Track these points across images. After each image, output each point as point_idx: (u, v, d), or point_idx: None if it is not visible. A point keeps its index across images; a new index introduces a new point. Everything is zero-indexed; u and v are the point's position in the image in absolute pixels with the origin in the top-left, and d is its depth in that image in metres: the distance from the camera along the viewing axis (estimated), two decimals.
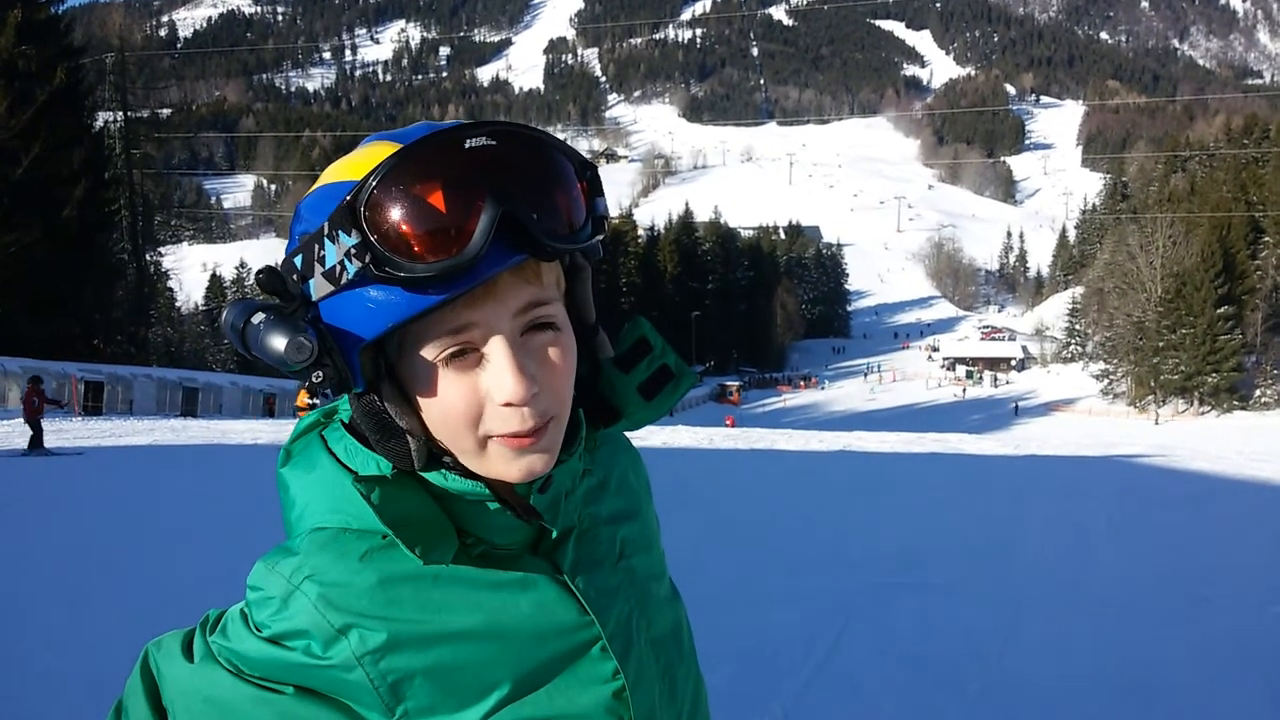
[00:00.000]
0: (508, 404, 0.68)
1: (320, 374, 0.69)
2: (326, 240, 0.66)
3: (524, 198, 0.66)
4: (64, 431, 15.94)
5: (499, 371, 0.68)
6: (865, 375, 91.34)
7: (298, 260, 0.69)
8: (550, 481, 0.75)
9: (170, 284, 46.00)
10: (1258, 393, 57.80)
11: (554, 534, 0.78)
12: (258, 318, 0.68)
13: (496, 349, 0.68)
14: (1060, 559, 7.09)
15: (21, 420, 14.66)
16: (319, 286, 0.68)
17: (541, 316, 0.71)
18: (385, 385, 0.71)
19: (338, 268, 0.66)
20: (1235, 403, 57.14)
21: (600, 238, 0.74)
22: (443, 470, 0.73)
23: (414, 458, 0.71)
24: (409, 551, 0.68)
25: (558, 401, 0.72)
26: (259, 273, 0.70)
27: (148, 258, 41.00)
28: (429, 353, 0.68)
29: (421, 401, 0.71)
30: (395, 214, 0.64)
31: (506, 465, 0.71)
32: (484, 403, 0.69)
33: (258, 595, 0.72)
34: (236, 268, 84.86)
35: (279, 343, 0.67)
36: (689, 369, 0.86)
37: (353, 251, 0.64)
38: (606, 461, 0.88)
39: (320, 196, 0.69)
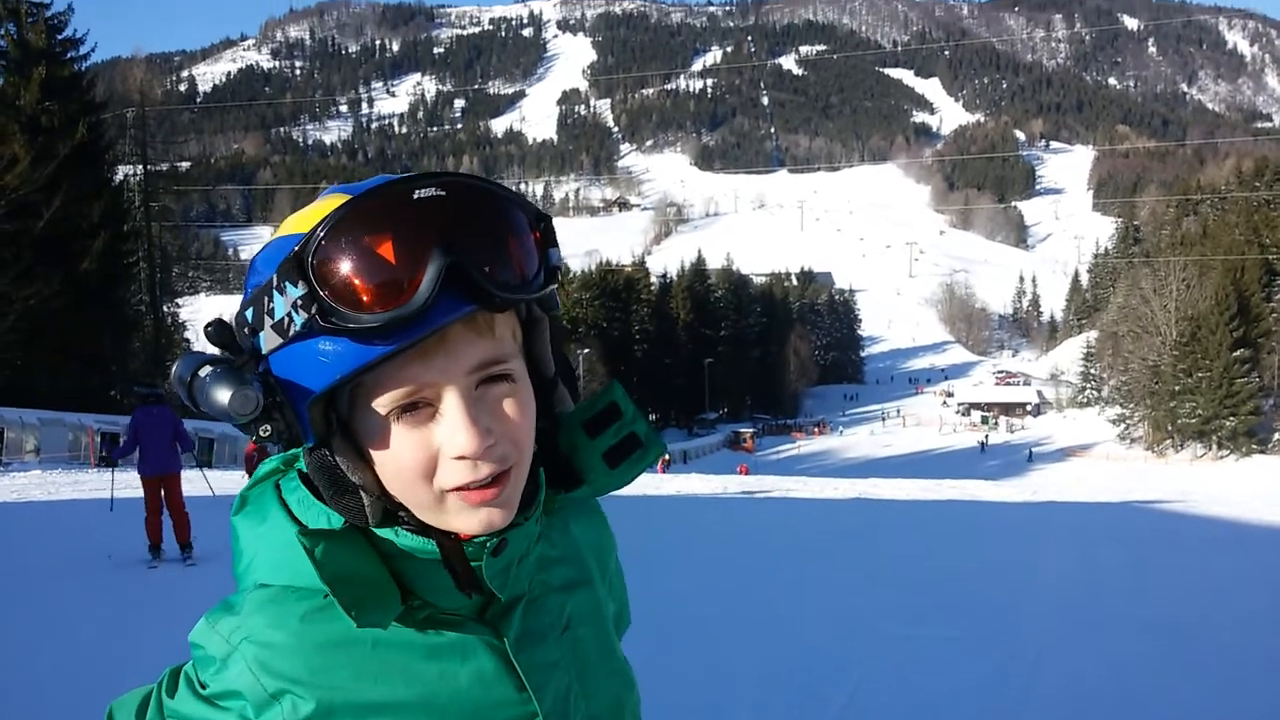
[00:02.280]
0: (461, 457, 0.68)
1: (268, 428, 0.69)
2: (275, 292, 0.66)
3: (473, 248, 0.66)
4: (81, 483, 15.98)
5: (452, 425, 0.67)
6: (884, 420, 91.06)
7: (248, 313, 0.69)
8: (505, 545, 0.74)
9: (187, 335, 46.40)
10: (1277, 436, 57.09)
11: (502, 600, 0.76)
12: (204, 370, 0.68)
13: (450, 402, 0.68)
14: (1079, 610, 7.00)
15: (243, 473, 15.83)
16: (268, 339, 0.67)
17: (496, 371, 0.70)
18: (337, 440, 0.70)
19: (285, 319, 0.65)
20: (1254, 446, 56.43)
21: (553, 287, 0.73)
22: (395, 527, 0.72)
23: (368, 513, 0.71)
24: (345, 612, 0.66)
25: (516, 450, 0.71)
26: (208, 326, 0.70)
27: (165, 309, 41.50)
28: (381, 406, 0.68)
29: (374, 456, 0.70)
30: (342, 264, 0.64)
31: (465, 519, 0.70)
32: (437, 456, 0.68)
33: (200, 654, 0.71)
34: None
35: (224, 395, 0.66)
36: (658, 439, 0.85)
37: (299, 302, 0.64)
38: (563, 526, 0.87)
39: (272, 249, 0.69)
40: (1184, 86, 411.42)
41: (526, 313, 0.76)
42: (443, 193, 0.66)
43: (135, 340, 36.86)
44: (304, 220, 0.68)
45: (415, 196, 0.65)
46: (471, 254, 0.65)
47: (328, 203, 0.68)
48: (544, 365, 0.78)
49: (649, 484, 19.77)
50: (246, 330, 0.69)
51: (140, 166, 40.15)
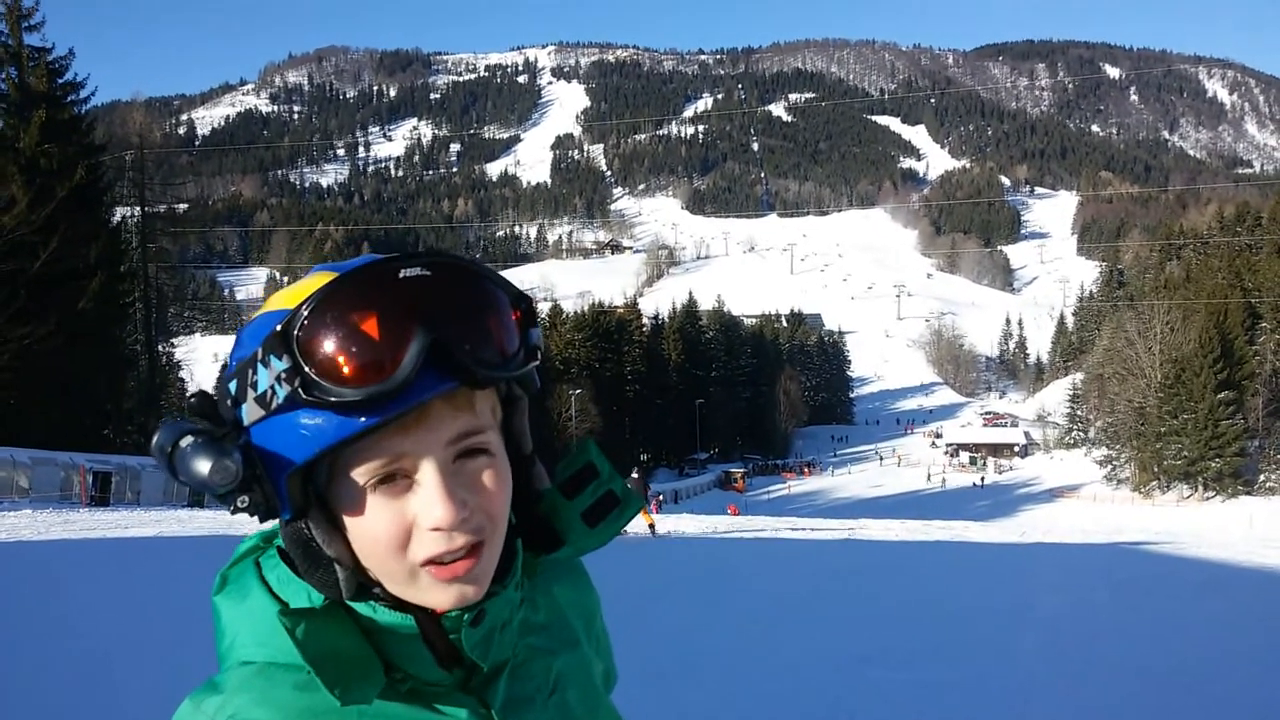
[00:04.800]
0: (436, 529, 0.69)
1: (245, 499, 0.70)
2: (259, 365, 0.68)
3: (455, 326, 0.68)
4: (71, 523, 16.00)
5: (429, 496, 0.69)
6: (880, 460, 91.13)
7: (232, 385, 0.70)
8: (483, 615, 0.74)
9: (181, 374, 46.40)
10: (1261, 477, 57.37)
11: (485, 669, 0.76)
12: (185, 441, 0.68)
13: (427, 475, 0.69)
14: (1069, 654, 7.02)
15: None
16: (250, 412, 0.69)
17: (474, 444, 0.72)
18: (314, 513, 0.71)
19: (269, 392, 0.67)
20: (1240, 488, 56.67)
21: (533, 365, 0.75)
22: (371, 602, 0.72)
23: (342, 587, 0.72)
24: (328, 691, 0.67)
25: (489, 523, 0.72)
26: (191, 397, 0.72)
27: (160, 348, 41.48)
28: (359, 478, 0.69)
29: (350, 527, 0.71)
30: (326, 339, 0.65)
31: (437, 594, 0.71)
32: (412, 528, 0.69)
33: None
34: None
35: (204, 466, 0.67)
36: (636, 496, 0.86)
37: (283, 375, 0.66)
38: (546, 589, 0.87)
39: (258, 324, 0.70)
40: (1166, 134, 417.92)
41: (506, 390, 0.78)
42: (428, 272, 0.68)
43: (130, 380, 36.85)
44: (290, 297, 0.70)
45: (400, 275, 0.67)
46: (454, 332, 0.67)
47: (314, 280, 0.70)
48: (522, 443, 0.79)
49: (639, 524, 19.81)
50: (229, 402, 0.70)
51: (138, 208, 40.44)
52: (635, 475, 22.53)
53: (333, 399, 0.65)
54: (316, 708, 0.69)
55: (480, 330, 0.70)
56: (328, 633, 0.69)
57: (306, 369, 0.65)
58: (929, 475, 79.70)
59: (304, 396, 0.65)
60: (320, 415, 0.66)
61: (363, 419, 0.66)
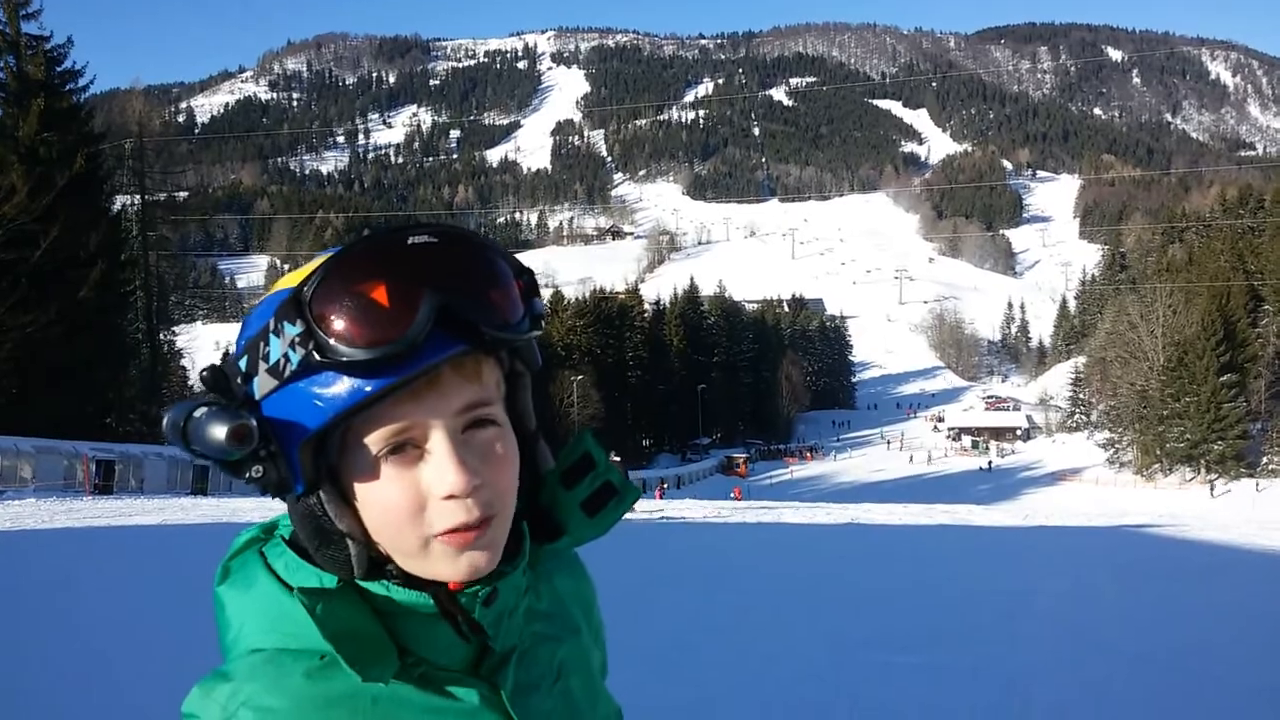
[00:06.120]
0: (450, 496, 0.69)
1: (260, 469, 0.69)
2: (271, 335, 0.68)
3: (463, 290, 0.69)
4: (74, 511, 16.04)
5: (440, 464, 0.69)
6: (887, 445, 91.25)
7: (242, 362, 0.71)
8: (495, 595, 0.75)
9: (183, 363, 46.41)
10: (1265, 460, 57.37)
11: (497, 652, 0.77)
12: (199, 411, 0.68)
13: (438, 443, 0.69)
14: (1070, 636, 7.03)
15: None
16: (262, 384, 0.69)
17: (483, 414, 0.72)
18: (325, 487, 0.71)
19: (281, 360, 0.68)
20: (1243, 470, 56.68)
21: (537, 334, 0.76)
22: (384, 581, 0.73)
23: (354, 563, 0.72)
24: (348, 669, 0.67)
25: (499, 496, 0.73)
26: (203, 372, 0.72)
27: (162, 337, 41.47)
28: (371, 448, 0.69)
29: (362, 500, 0.71)
30: (339, 303, 0.66)
31: (450, 564, 0.71)
32: (425, 498, 0.70)
33: None
34: None
35: (220, 431, 0.67)
36: (633, 486, 0.87)
37: (296, 340, 0.67)
38: (547, 579, 0.88)
39: (266, 304, 0.71)
40: (1168, 116, 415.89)
41: (510, 366, 0.78)
42: (435, 240, 0.70)
43: (132, 368, 36.88)
44: (299, 277, 0.70)
45: (409, 243, 0.69)
46: (461, 295, 0.69)
47: (322, 259, 0.70)
48: (526, 419, 0.81)
49: (644, 508, 19.89)
50: (240, 379, 0.71)
51: (138, 196, 40.35)
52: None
53: (345, 359, 0.65)
54: (330, 694, 0.69)
55: (486, 295, 0.71)
56: (344, 612, 0.69)
57: (320, 332, 0.66)
58: (911, 458, 79.50)
59: (318, 359, 0.66)
60: (333, 380, 0.67)
61: (375, 382, 0.66)
